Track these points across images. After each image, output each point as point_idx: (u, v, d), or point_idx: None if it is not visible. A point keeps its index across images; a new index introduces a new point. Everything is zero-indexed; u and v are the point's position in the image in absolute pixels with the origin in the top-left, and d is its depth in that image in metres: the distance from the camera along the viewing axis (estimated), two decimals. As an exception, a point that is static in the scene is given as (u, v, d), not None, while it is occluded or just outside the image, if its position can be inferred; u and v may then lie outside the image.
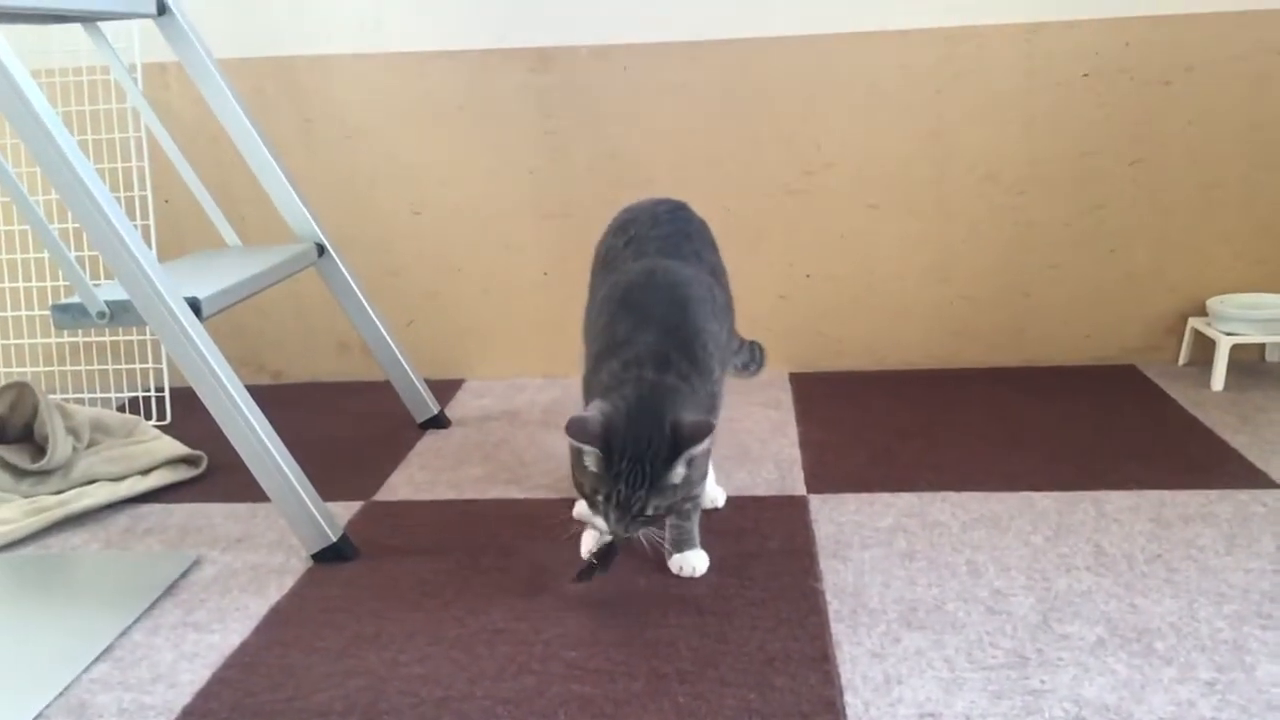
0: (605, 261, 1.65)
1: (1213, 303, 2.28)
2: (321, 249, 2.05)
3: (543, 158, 2.38)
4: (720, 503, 1.75)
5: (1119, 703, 1.20)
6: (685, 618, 1.41)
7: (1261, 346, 2.36)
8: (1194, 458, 1.87)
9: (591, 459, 1.35)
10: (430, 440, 2.13)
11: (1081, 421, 2.07)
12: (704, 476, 1.46)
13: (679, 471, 1.35)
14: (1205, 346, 2.30)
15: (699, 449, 1.35)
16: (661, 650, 1.34)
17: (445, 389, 2.42)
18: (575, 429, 1.34)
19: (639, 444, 1.33)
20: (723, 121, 2.33)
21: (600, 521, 1.39)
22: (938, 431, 2.05)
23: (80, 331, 2.45)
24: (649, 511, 1.36)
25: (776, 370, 2.44)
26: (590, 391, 1.49)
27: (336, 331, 2.49)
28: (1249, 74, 2.23)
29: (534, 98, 2.35)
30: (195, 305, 1.61)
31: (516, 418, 2.25)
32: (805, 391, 2.33)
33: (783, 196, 2.37)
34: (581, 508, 1.71)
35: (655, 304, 1.48)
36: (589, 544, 1.53)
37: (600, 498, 1.36)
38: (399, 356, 2.16)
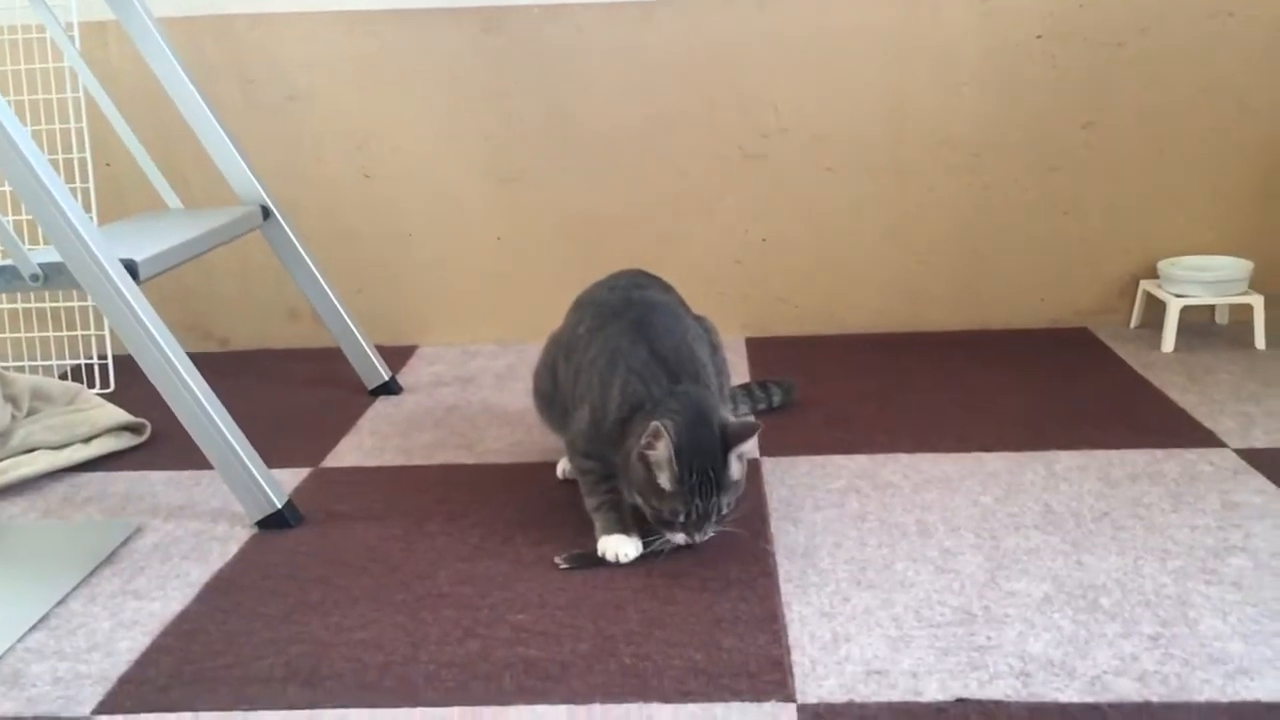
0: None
1: (1163, 265, 2.29)
2: (267, 212, 2.01)
3: (495, 120, 2.34)
4: None
5: (1064, 658, 1.20)
6: (634, 580, 1.40)
7: (1211, 308, 2.38)
8: (1143, 418, 1.88)
9: (665, 478, 1.38)
10: (381, 407, 2.11)
11: (1034, 384, 2.07)
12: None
13: (736, 469, 1.41)
14: (1157, 309, 2.31)
15: (746, 446, 1.42)
16: (609, 612, 1.33)
17: (398, 356, 2.39)
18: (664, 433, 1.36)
19: (703, 454, 1.38)
20: (678, 83, 2.30)
21: (678, 538, 1.42)
22: (891, 395, 2.05)
23: (19, 297, 2.39)
24: (723, 512, 1.41)
25: (733, 336, 2.42)
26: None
27: (286, 298, 2.45)
28: (1202, 36, 2.23)
29: (486, 59, 2.31)
30: (131, 267, 1.57)
31: (469, 384, 2.22)
32: (761, 357, 2.32)
33: (738, 160, 2.35)
34: (565, 465, 1.69)
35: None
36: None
37: (681, 518, 1.39)
38: (349, 323, 2.13)
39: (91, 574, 1.47)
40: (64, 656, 1.28)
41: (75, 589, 1.43)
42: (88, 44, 2.29)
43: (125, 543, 1.56)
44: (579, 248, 2.40)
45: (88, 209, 2.21)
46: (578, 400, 1.55)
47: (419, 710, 1.16)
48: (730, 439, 1.39)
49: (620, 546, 1.43)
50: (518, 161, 2.37)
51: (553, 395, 1.67)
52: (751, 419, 1.44)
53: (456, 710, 1.15)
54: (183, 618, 1.36)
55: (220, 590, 1.42)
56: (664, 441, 1.36)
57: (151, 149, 2.10)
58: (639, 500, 1.43)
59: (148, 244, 1.66)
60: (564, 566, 1.44)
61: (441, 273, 2.45)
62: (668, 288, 1.68)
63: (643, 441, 1.37)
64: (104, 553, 1.52)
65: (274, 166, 2.33)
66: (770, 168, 2.35)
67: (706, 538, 1.42)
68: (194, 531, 1.60)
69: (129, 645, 1.30)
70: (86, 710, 1.18)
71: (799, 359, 2.29)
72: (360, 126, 2.36)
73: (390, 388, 2.18)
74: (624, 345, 1.50)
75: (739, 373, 2.17)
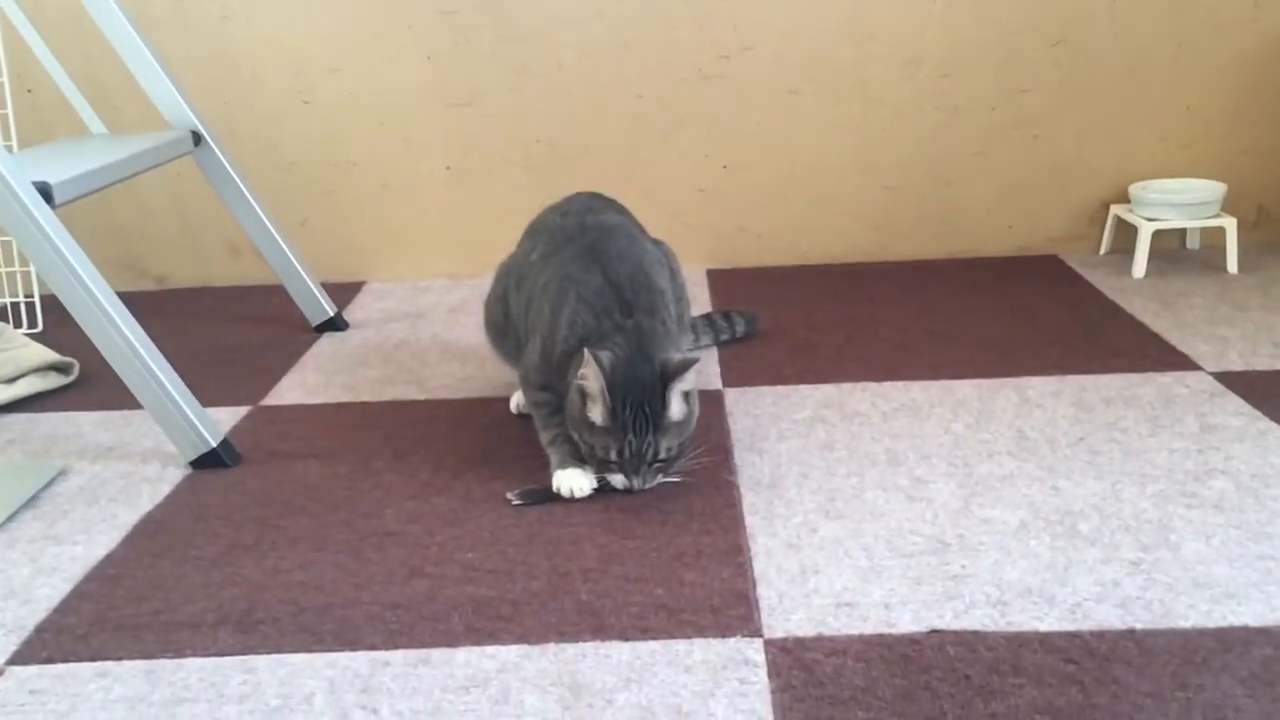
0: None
1: (1135, 189, 2.22)
2: (198, 138, 1.89)
3: (442, 42, 2.22)
4: None
5: (1042, 585, 1.14)
6: (591, 515, 1.33)
7: (1182, 234, 2.33)
8: (1116, 343, 1.83)
9: (598, 412, 1.30)
10: (326, 343, 2.01)
11: (1004, 312, 2.01)
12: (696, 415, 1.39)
13: (676, 408, 1.31)
14: (1127, 235, 2.25)
15: (686, 384, 1.32)
16: (564, 548, 1.25)
17: (344, 292, 2.29)
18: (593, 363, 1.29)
19: (639, 389, 1.30)
20: (634, 1, 2.19)
21: (617, 480, 1.34)
22: (859, 325, 1.98)
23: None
24: (661, 455, 1.32)
25: (695, 266, 2.34)
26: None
27: (225, 233, 2.33)
28: (1176, -51, 2.15)
29: (430, -25, 2.18)
30: (45, 190, 1.45)
31: (420, 319, 2.12)
32: (724, 288, 2.24)
33: (698, 82, 2.24)
34: (519, 400, 1.60)
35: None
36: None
37: (613, 455, 1.32)
38: (291, 257, 2.02)
39: (11, 518, 1.38)
40: (-23, 606, 1.19)
41: (-8, 535, 1.34)
42: (1, -40, 2.13)
43: (49, 485, 1.47)
44: (533, 177, 2.29)
45: (6, 137, 2.08)
46: (530, 331, 1.47)
47: (361, 653, 1.08)
48: (669, 375, 1.31)
49: (575, 481, 1.36)
50: (467, 85, 2.25)
51: (505, 326, 1.59)
52: (691, 354, 1.34)
53: (401, 653, 1.08)
54: (107, 562, 1.27)
55: (149, 533, 1.33)
56: (593, 371, 1.28)
57: (77, 74, 1.97)
58: (576, 436, 1.36)
59: (64, 167, 1.54)
60: (517, 502, 1.36)
61: (389, 204, 2.34)
62: (621, 210, 1.59)
63: (578, 373, 1.30)
64: (25, 496, 1.43)
65: (208, 91, 2.21)
66: (731, 90, 2.25)
67: (650, 485, 1.34)
68: (123, 473, 1.50)
69: (48, 592, 1.21)
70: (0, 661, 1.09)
71: (763, 290, 2.21)
72: (298, 48, 2.22)
73: (336, 324, 2.08)
74: (575, 273, 1.41)
75: (700, 304, 2.09)
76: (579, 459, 1.38)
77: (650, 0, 2.19)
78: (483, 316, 1.66)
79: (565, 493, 1.36)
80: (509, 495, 1.37)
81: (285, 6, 2.20)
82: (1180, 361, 1.73)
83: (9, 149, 2.08)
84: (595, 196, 1.61)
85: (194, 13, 2.20)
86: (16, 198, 1.41)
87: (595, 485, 1.37)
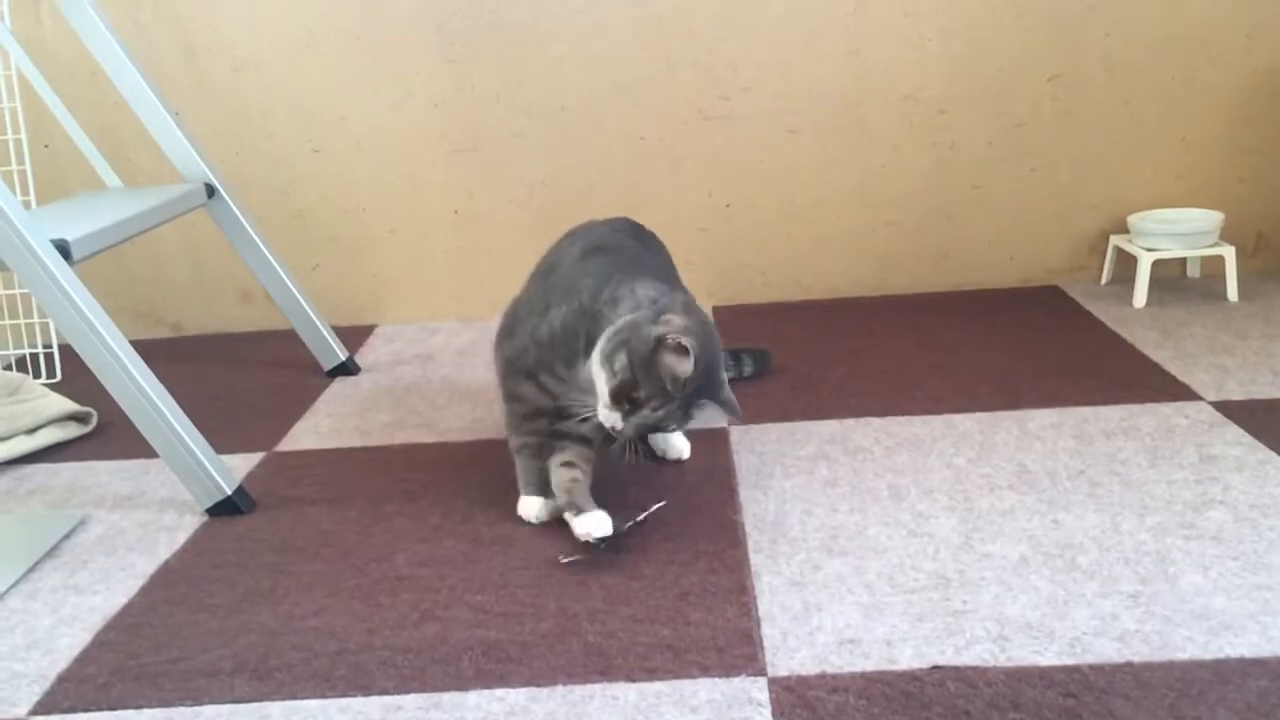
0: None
1: (1134, 219, 2.25)
2: (211, 190, 1.93)
3: (447, 88, 2.27)
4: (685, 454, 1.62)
5: (1041, 619, 1.16)
6: (597, 555, 1.35)
7: (1182, 262, 2.35)
8: (1117, 374, 1.85)
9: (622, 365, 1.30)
10: (338, 388, 2.04)
11: (1005, 344, 2.03)
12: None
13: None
14: (1127, 264, 2.27)
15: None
16: (572, 590, 1.28)
17: (355, 335, 2.32)
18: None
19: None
20: (634, 43, 2.24)
21: (602, 413, 1.31)
22: (861, 359, 2.01)
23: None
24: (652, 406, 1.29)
25: (700, 303, 2.36)
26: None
27: (237, 280, 2.37)
28: (1167, -17, 2.19)
29: (434, 24, 2.23)
30: (63, 248, 1.49)
31: (429, 362, 2.16)
32: (728, 325, 2.26)
33: (699, 122, 2.29)
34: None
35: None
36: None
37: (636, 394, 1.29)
38: (302, 303, 2.06)
39: (32, 569, 1.41)
40: (0, 656, 1.22)
41: (14, 585, 1.37)
42: (20, 20, 2.20)
43: (69, 535, 1.50)
44: (538, 219, 2.33)
45: (25, 192, 2.13)
46: (534, 308, 1.51)
47: (374, 699, 1.11)
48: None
49: (529, 509, 1.44)
50: (472, 131, 2.30)
51: None
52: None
53: (413, 697, 1.10)
54: (127, 611, 1.30)
55: (167, 582, 1.36)
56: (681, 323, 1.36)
57: (92, 128, 2.03)
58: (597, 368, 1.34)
59: (81, 223, 1.58)
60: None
61: (398, 248, 2.38)
62: (645, 245, 1.62)
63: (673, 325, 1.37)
64: (46, 546, 1.46)
65: (220, 141, 2.26)
66: (732, 130, 2.29)
67: (624, 430, 1.30)
68: (141, 522, 1.53)
69: (69, 642, 1.24)
70: (22, 711, 1.12)
71: (767, 325, 2.24)
72: (307, 98, 2.28)
73: (348, 368, 2.11)
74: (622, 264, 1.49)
75: (706, 341, 2.12)
76: (539, 485, 1.44)
77: (651, 43, 2.24)
78: (492, 356, 1.69)
79: (524, 516, 1.44)
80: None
81: (295, 59, 2.25)
82: (1181, 391, 1.75)
83: (27, 204, 2.13)
84: (637, 225, 1.65)
85: (206, 67, 2.25)
86: (35, 256, 1.46)
87: (542, 512, 1.43)
